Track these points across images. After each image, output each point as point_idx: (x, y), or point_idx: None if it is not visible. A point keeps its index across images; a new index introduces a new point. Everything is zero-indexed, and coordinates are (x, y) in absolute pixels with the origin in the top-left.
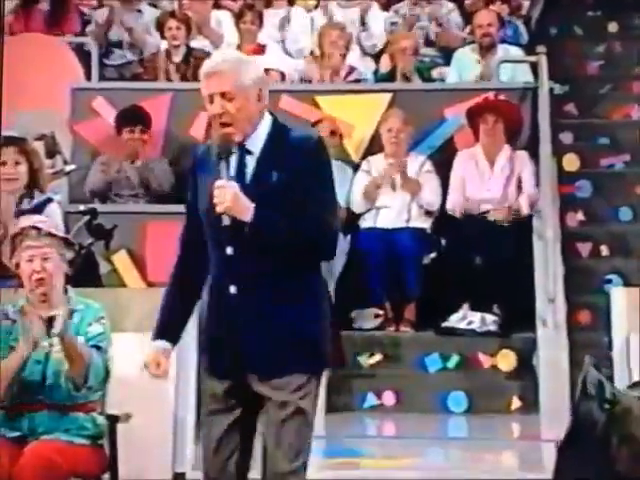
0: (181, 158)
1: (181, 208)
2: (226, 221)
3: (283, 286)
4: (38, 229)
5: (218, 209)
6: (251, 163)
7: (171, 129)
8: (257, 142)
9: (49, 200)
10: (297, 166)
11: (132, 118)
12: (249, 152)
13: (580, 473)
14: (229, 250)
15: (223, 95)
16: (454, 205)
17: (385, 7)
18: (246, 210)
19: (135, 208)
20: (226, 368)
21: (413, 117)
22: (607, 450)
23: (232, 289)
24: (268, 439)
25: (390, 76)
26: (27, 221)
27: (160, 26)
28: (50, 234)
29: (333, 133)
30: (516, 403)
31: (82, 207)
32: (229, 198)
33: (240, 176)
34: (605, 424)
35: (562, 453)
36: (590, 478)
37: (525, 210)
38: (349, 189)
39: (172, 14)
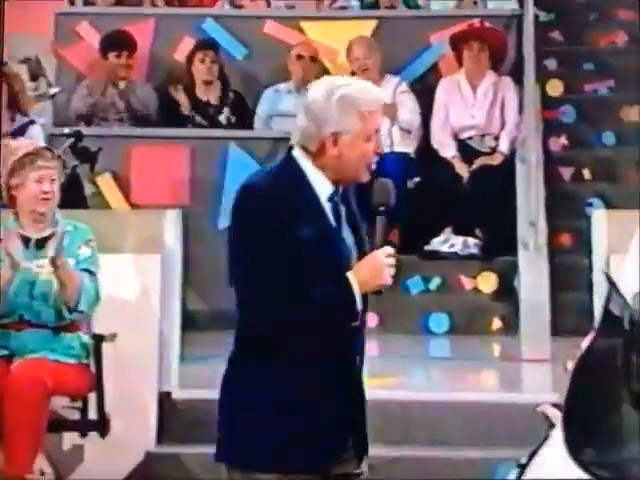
0: (166, 82)
1: (165, 132)
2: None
3: None
4: (51, 151)
5: (386, 282)
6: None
7: (155, 53)
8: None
9: (31, 122)
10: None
11: (118, 43)
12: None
13: (595, 392)
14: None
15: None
16: (437, 135)
17: None
18: None
19: (120, 131)
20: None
21: (399, 43)
22: (625, 371)
23: (358, 360)
24: None
25: (375, 3)
26: (27, 143)
27: None
28: (59, 157)
29: (300, 57)
30: (497, 324)
31: (67, 130)
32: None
33: (339, 224)
34: (625, 345)
35: (578, 372)
36: (605, 398)
37: (505, 150)
38: None
39: None
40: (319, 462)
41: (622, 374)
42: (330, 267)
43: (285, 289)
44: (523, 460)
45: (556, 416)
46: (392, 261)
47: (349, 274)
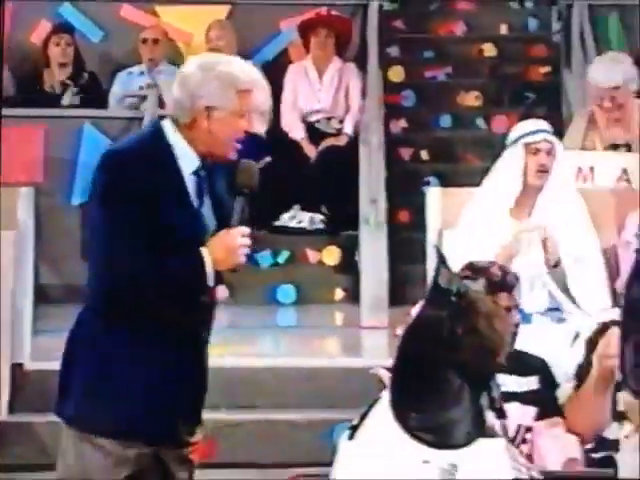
0: (22, 64)
1: (19, 112)
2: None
3: None
4: None
5: (239, 261)
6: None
7: (12, 36)
8: None
9: None
10: None
11: None
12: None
13: (421, 359)
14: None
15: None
16: (286, 119)
17: None
18: None
19: None
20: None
21: (250, 29)
22: (450, 341)
23: (205, 335)
24: None
25: None
26: None
27: None
28: None
29: (144, 40)
30: (339, 294)
31: None
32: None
33: (200, 199)
34: (451, 316)
35: (406, 340)
36: (430, 364)
37: (349, 132)
38: None
39: None
40: (156, 433)
41: (447, 343)
42: (185, 240)
43: (139, 257)
44: (355, 421)
45: (388, 378)
46: (247, 241)
47: (203, 249)
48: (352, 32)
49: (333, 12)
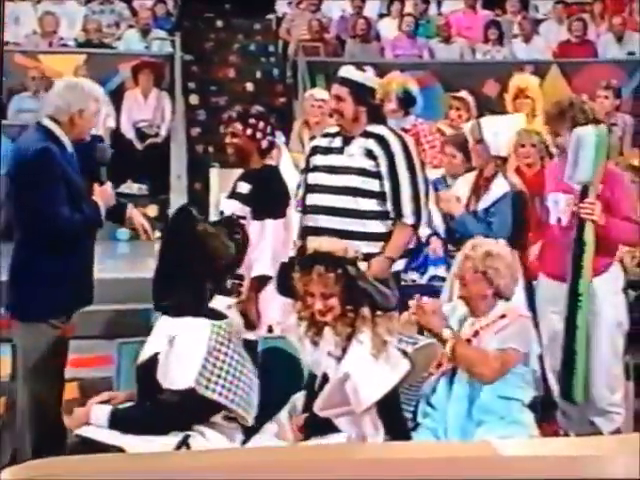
0: None
1: None
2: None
3: None
4: None
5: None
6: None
7: None
8: None
9: None
10: None
11: None
12: None
13: None
14: None
15: None
16: (123, 126)
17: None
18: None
19: None
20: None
21: (100, 70)
22: None
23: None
24: None
25: (86, 43)
26: None
27: None
28: None
29: (33, 78)
30: (157, 234)
31: None
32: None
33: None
34: None
35: None
36: None
37: (164, 134)
38: None
39: None
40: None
41: None
42: (82, 190)
43: (65, 207)
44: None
45: None
46: (112, 191)
47: (95, 197)
48: (165, 73)
49: (153, 60)
